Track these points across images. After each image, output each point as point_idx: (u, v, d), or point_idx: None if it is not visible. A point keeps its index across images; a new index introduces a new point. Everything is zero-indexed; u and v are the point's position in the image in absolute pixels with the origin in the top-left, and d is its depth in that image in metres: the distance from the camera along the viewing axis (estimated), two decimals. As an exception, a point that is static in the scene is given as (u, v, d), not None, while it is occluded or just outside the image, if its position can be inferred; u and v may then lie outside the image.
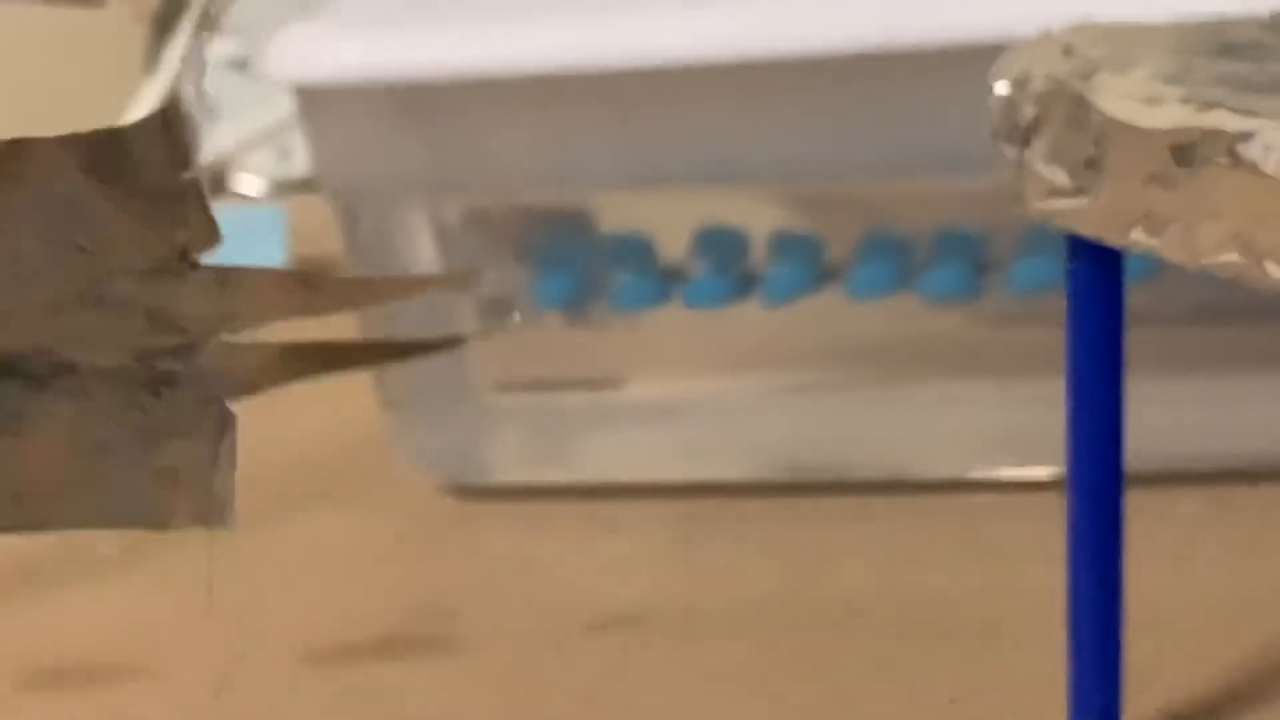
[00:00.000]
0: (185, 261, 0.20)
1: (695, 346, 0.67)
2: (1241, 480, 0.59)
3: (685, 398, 0.66)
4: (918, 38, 0.55)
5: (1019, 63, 0.42)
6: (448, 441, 0.65)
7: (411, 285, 0.20)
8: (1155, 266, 0.60)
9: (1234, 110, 0.36)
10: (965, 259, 0.63)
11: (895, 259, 0.63)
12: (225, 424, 0.20)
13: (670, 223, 0.66)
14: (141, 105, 0.81)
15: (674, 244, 0.66)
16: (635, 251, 0.65)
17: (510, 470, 0.65)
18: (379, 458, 0.65)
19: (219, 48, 1.00)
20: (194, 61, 0.91)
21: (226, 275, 0.20)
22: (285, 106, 0.89)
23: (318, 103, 0.58)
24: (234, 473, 0.20)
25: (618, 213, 0.66)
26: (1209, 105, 0.37)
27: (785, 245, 0.65)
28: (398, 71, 0.57)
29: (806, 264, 0.64)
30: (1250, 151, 0.35)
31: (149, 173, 0.19)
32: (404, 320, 0.63)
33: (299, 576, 0.60)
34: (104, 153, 0.19)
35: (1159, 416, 0.61)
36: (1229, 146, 0.36)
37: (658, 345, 0.66)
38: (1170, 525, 0.57)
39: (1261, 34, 0.42)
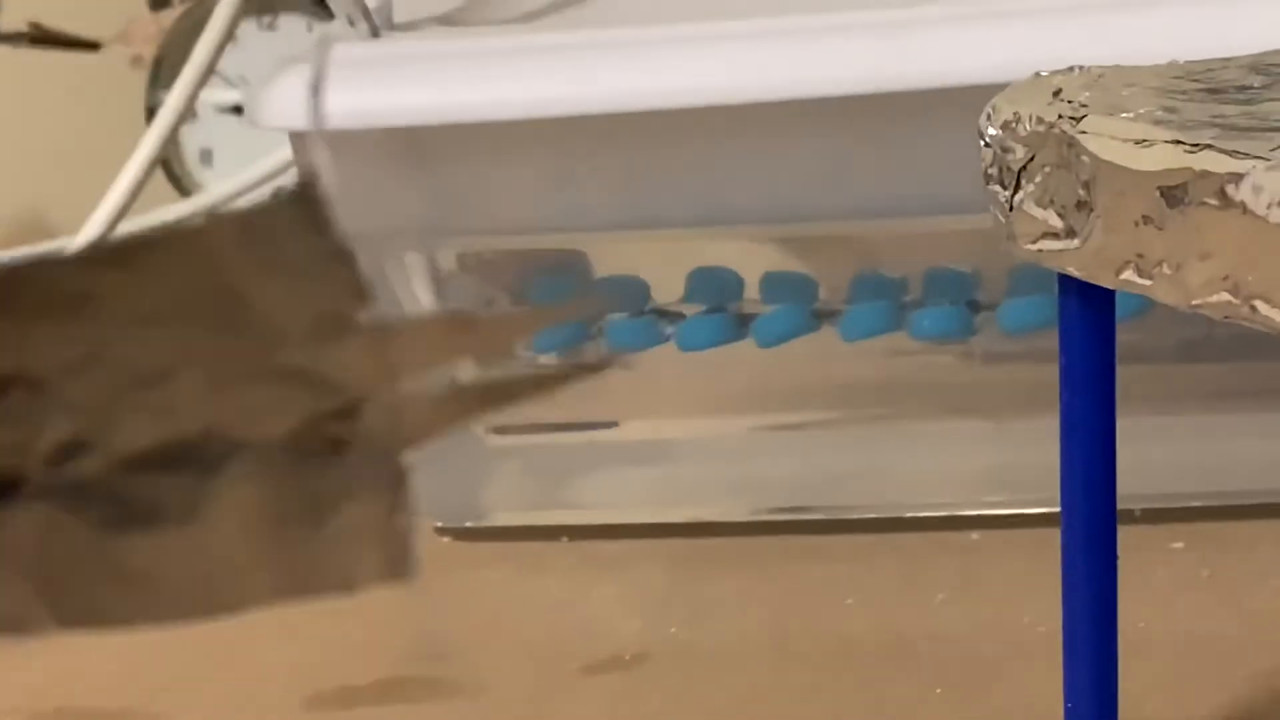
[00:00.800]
0: (343, 322, 0.20)
1: (690, 387, 0.67)
2: (1232, 516, 0.59)
3: (680, 438, 0.66)
4: (908, 80, 0.55)
5: (1009, 105, 0.42)
6: (446, 483, 0.65)
7: (554, 315, 0.21)
8: (1147, 304, 0.61)
9: (1223, 152, 0.37)
10: (956, 299, 0.63)
11: (887, 299, 0.63)
12: (399, 477, 0.20)
13: (665, 265, 0.67)
14: (143, 150, 0.81)
15: (670, 286, 0.66)
16: (630, 294, 0.65)
17: (508, 512, 0.65)
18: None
19: (217, 93, 1.01)
20: (193, 106, 0.92)
21: (385, 329, 0.20)
22: (283, 152, 0.90)
23: (310, 149, 0.59)
24: (413, 524, 0.20)
25: (613, 256, 0.67)
26: (1198, 147, 0.37)
27: (778, 286, 0.65)
28: (391, 117, 0.57)
29: (799, 305, 0.64)
30: (1240, 192, 0.36)
31: (297, 241, 0.20)
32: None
33: (299, 620, 0.60)
34: (254, 228, 0.19)
35: (1152, 453, 0.61)
36: (1219, 188, 0.36)
37: (653, 386, 0.67)
38: (1163, 560, 0.58)
39: (1247, 76, 0.42)
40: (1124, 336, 0.57)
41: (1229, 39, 0.47)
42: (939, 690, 0.52)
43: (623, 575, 0.61)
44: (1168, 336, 0.63)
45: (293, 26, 1.02)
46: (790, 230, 0.66)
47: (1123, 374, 0.56)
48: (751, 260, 0.67)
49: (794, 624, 0.57)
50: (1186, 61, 0.44)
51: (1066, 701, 0.46)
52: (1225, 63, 0.44)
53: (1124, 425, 0.53)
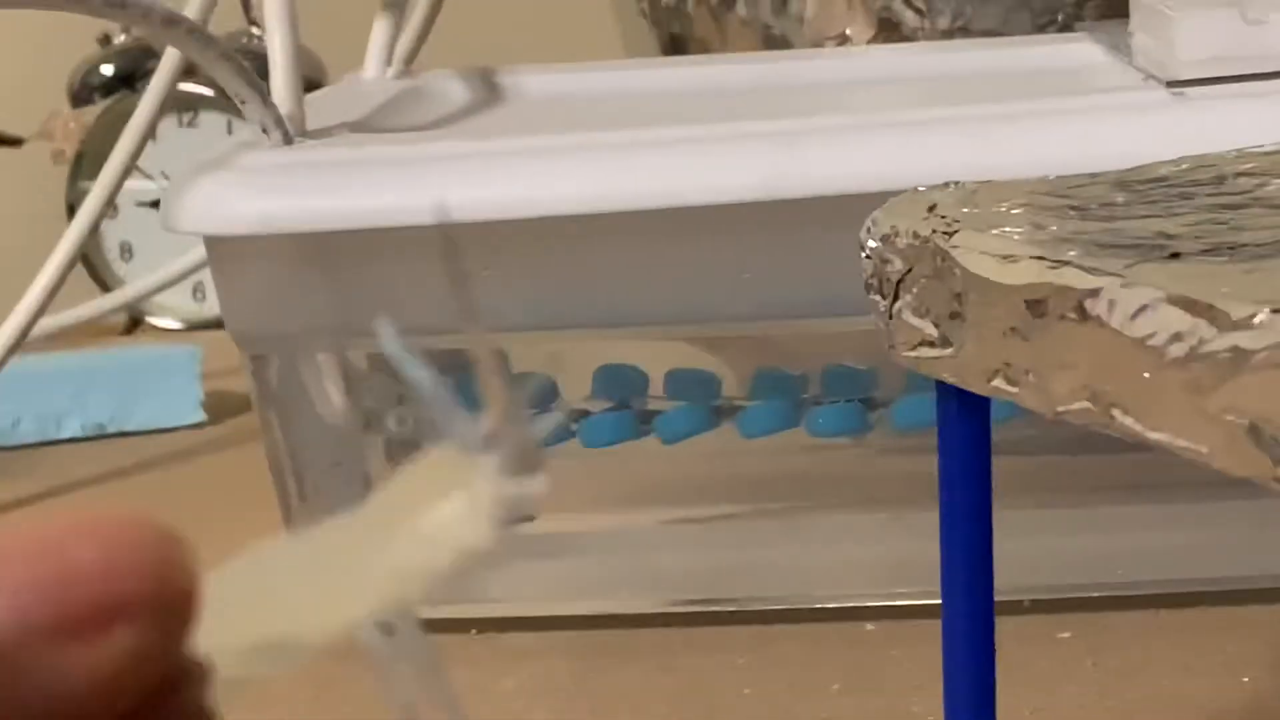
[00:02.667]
0: None
1: (596, 482, 0.69)
2: (1118, 606, 0.61)
3: (586, 532, 0.68)
4: (800, 188, 0.57)
5: (888, 219, 0.45)
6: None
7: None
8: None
9: (1081, 268, 0.39)
10: (853, 396, 0.65)
11: (786, 396, 0.66)
12: None
13: (573, 363, 0.69)
14: (65, 245, 0.83)
15: (577, 383, 0.68)
16: (540, 391, 0.67)
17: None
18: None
19: (136, 188, 1.02)
20: (114, 202, 0.93)
21: None
22: (198, 248, 0.91)
23: (224, 253, 0.60)
24: None
25: (528, 353, 0.68)
26: (1059, 263, 0.40)
27: (681, 383, 0.67)
28: (299, 223, 0.59)
29: (701, 402, 0.66)
30: (1096, 307, 0.38)
31: None
32: (312, 460, 0.65)
33: None
34: None
35: (1042, 545, 0.64)
36: (1077, 302, 0.39)
37: (560, 481, 0.68)
38: (1050, 650, 0.60)
39: (1111, 193, 0.45)
40: (1012, 432, 0.59)
41: (1099, 153, 0.50)
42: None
43: (529, 667, 0.62)
44: (1055, 431, 0.65)
45: (213, 124, 1.04)
46: (691, 331, 0.68)
47: (1013, 467, 0.59)
48: (658, 356, 0.69)
49: (695, 714, 0.59)
50: (1057, 177, 0.46)
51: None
52: (1094, 178, 0.46)
53: (1015, 518, 0.55)
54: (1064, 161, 0.48)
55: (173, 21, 0.58)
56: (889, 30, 0.87)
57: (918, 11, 0.86)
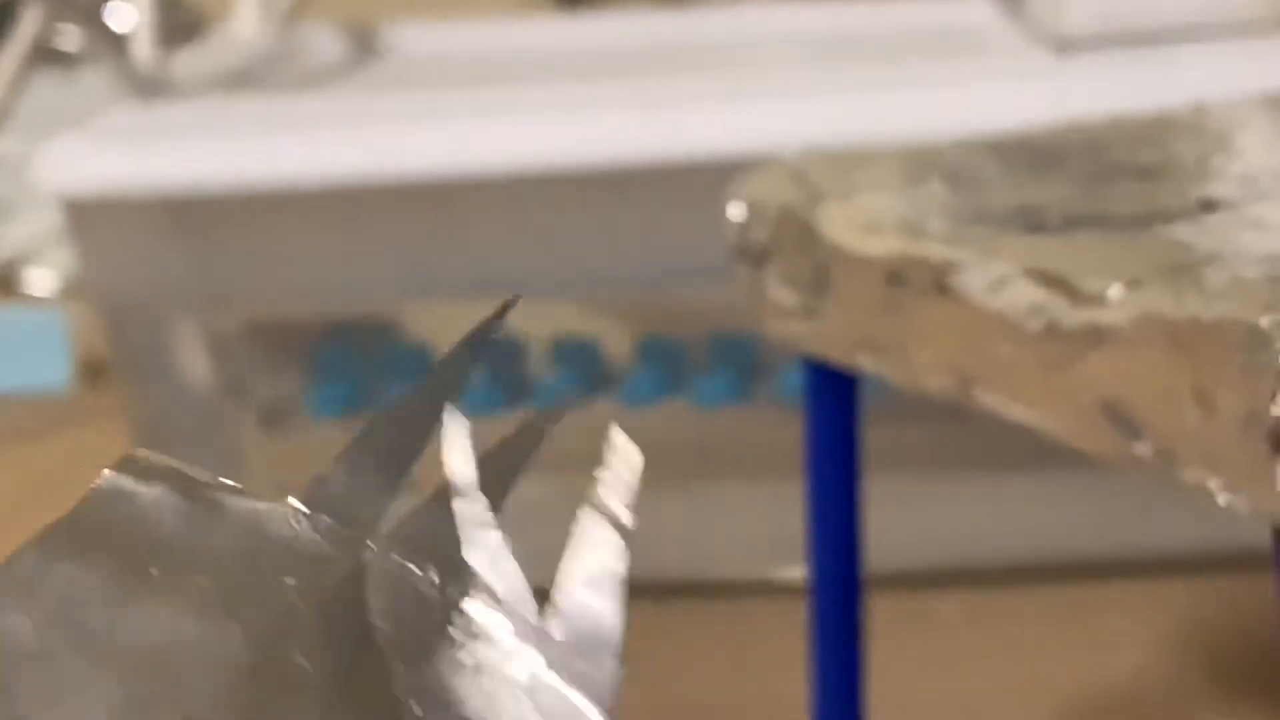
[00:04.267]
0: None
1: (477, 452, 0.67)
2: (1000, 582, 0.60)
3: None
4: (671, 154, 0.56)
5: (753, 187, 0.43)
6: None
7: None
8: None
9: (943, 240, 0.37)
10: (737, 365, 0.64)
11: (669, 365, 0.64)
12: None
13: (453, 333, 0.67)
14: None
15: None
16: (417, 361, 0.65)
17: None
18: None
19: (8, 146, 0.99)
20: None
21: None
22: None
23: (83, 215, 0.58)
24: None
25: (409, 323, 0.67)
26: (921, 234, 0.38)
27: (563, 352, 0.65)
28: (164, 185, 0.57)
29: (583, 370, 0.65)
30: (955, 279, 0.37)
31: None
32: (179, 429, 0.63)
33: None
34: None
35: (921, 519, 0.62)
36: (937, 276, 0.37)
37: (438, 454, 0.67)
38: (930, 627, 0.58)
39: (983, 159, 0.43)
40: (890, 400, 0.58)
41: (980, 118, 0.48)
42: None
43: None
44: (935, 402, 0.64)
45: (93, 79, 1.01)
46: (575, 295, 0.66)
47: (892, 438, 0.57)
48: (539, 326, 0.67)
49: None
50: (929, 145, 0.45)
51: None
52: (965, 145, 0.44)
53: (895, 490, 0.54)
54: (944, 126, 0.46)
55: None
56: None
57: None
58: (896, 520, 0.55)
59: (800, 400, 0.65)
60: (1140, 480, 0.62)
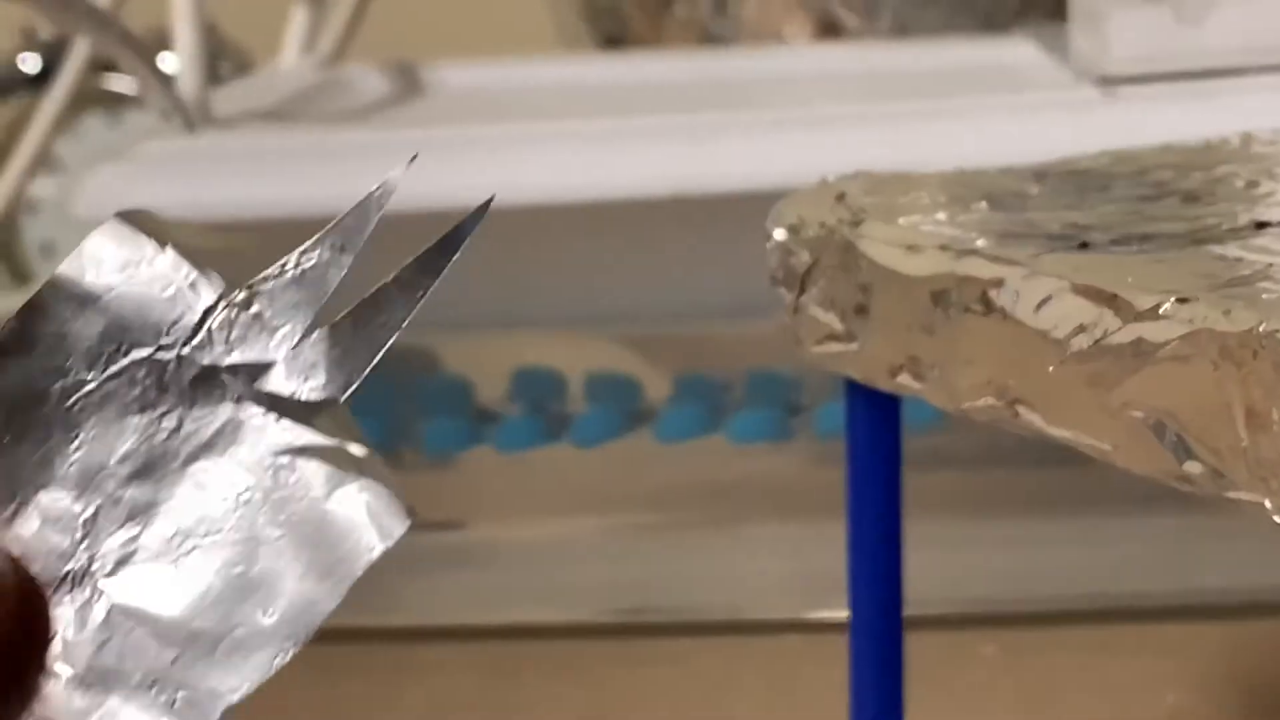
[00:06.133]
0: None
1: (510, 490, 0.67)
2: (1040, 623, 0.60)
3: (498, 541, 0.66)
4: (719, 184, 0.55)
5: (794, 209, 0.43)
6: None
7: None
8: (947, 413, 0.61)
9: (987, 258, 0.37)
10: (775, 402, 0.63)
11: (706, 401, 0.63)
12: None
13: (491, 364, 0.66)
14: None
15: (492, 387, 0.66)
16: (451, 394, 0.65)
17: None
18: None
19: (55, 188, 1.00)
20: (30, 200, 0.91)
21: None
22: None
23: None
24: None
25: (438, 354, 0.66)
26: (965, 253, 0.38)
27: (599, 387, 0.65)
28: (204, 213, 0.57)
29: (620, 406, 0.64)
30: (1000, 298, 0.36)
31: None
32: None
33: None
34: None
35: (963, 561, 0.62)
36: (981, 293, 0.37)
37: (474, 489, 0.66)
38: (972, 666, 0.58)
39: (1028, 184, 0.43)
40: (934, 442, 0.57)
41: (1025, 149, 0.48)
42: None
43: (435, 679, 0.60)
44: (978, 445, 0.64)
45: (138, 122, 1.01)
46: (613, 329, 0.66)
47: (935, 482, 0.56)
48: (576, 361, 0.67)
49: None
50: (973, 169, 0.44)
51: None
52: (1009, 170, 0.44)
53: (937, 532, 0.53)
54: (989, 158, 0.46)
55: (69, 3, 0.56)
56: (829, 33, 0.85)
57: (857, 14, 0.84)
58: (936, 563, 0.54)
59: (836, 438, 0.65)
60: (1180, 522, 0.61)
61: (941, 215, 0.40)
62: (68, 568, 0.19)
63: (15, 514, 0.19)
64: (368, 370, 0.20)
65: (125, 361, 0.20)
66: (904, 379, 0.40)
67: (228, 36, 0.93)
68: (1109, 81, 0.57)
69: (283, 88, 0.68)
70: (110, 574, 0.19)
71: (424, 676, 0.61)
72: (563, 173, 0.58)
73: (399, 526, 0.19)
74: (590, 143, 0.58)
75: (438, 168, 0.58)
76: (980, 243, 0.38)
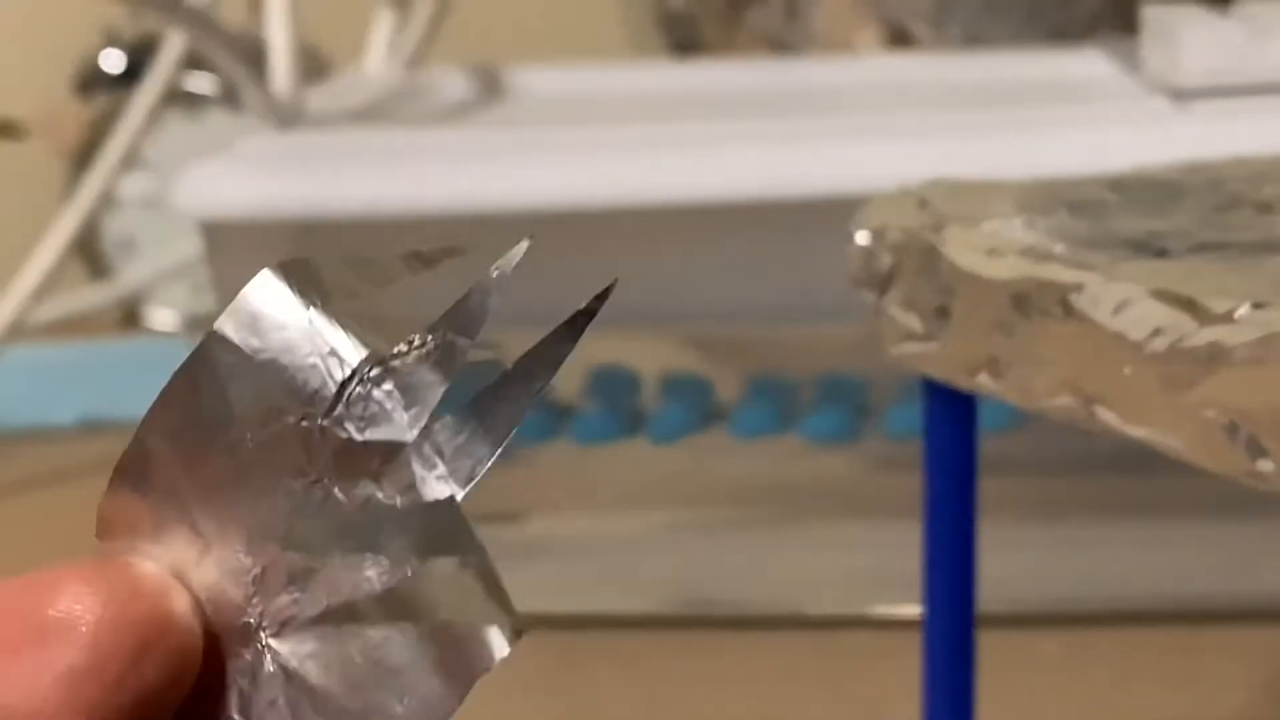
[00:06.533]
0: None
1: (585, 484, 0.68)
2: (1100, 623, 0.61)
3: (572, 532, 0.67)
4: (795, 189, 0.57)
5: (877, 214, 0.44)
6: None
7: None
8: (1020, 417, 0.62)
9: (1067, 263, 0.38)
10: (846, 403, 0.65)
11: (778, 401, 0.65)
12: None
13: (566, 365, 0.68)
14: (57, 234, 0.82)
15: (568, 383, 0.68)
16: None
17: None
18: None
19: (136, 184, 1.02)
20: (111, 197, 0.93)
21: None
22: (198, 242, 0.91)
23: (221, 237, 0.60)
24: None
25: (513, 352, 0.68)
26: (1045, 258, 0.39)
27: (675, 386, 0.67)
28: (297, 208, 0.59)
29: (694, 404, 0.66)
30: (1079, 301, 0.38)
31: None
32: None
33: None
34: None
35: (1026, 562, 0.63)
36: (1061, 297, 0.38)
37: (548, 481, 0.68)
38: (1032, 664, 0.59)
39: (1105, 193, 0.44)
40: (1003, 449, 0.59)
41: (1099, 160, 0.49)
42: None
43: (503, 663, 0.62)
44: (1045, 452, 0.65)
45: (219, 121, 1.04)
46: (689, 332, 0.67)
47: (1005, 487, 0.58)
48: (651, 360, 0.68)
49: (669, 714, 0.58)
50: (1051, 179, 0.46)
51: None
52: (1087, 180, 0.46)
53: (1004, 535, 0.54)
54: (1063, 168, 0.47)
55: (170, 2, 0.58)
56: (899, 42, 0.86)
57: (927, 25, 0.86)
58: (1005, 565, 0.55)
59: (905, 440, 0.66)
60: (1246, 529, 0.62)
61: (1021, 221, 0.42)
62: (242, 619, 0.19)
63: (199, 560, 0.20)
64: (490, 464, 0.19)
65: (277, 426, 0.20)
66: (982, 379, 0.41)
67: (305, 39, 0.95)
68: (1181, 94, 0.58)
69: (370, 89, 0.70)
70: (276, 635, 0.19)
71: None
72: (642, 176, 0.60)
73: (510, 633, 0.19)
74: (667, 146, 0.60)
75: (519, 169, 0.60)
76: (1059, 248, 0.40)
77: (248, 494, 0.20)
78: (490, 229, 0.60)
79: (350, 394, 0.20)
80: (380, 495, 0.19)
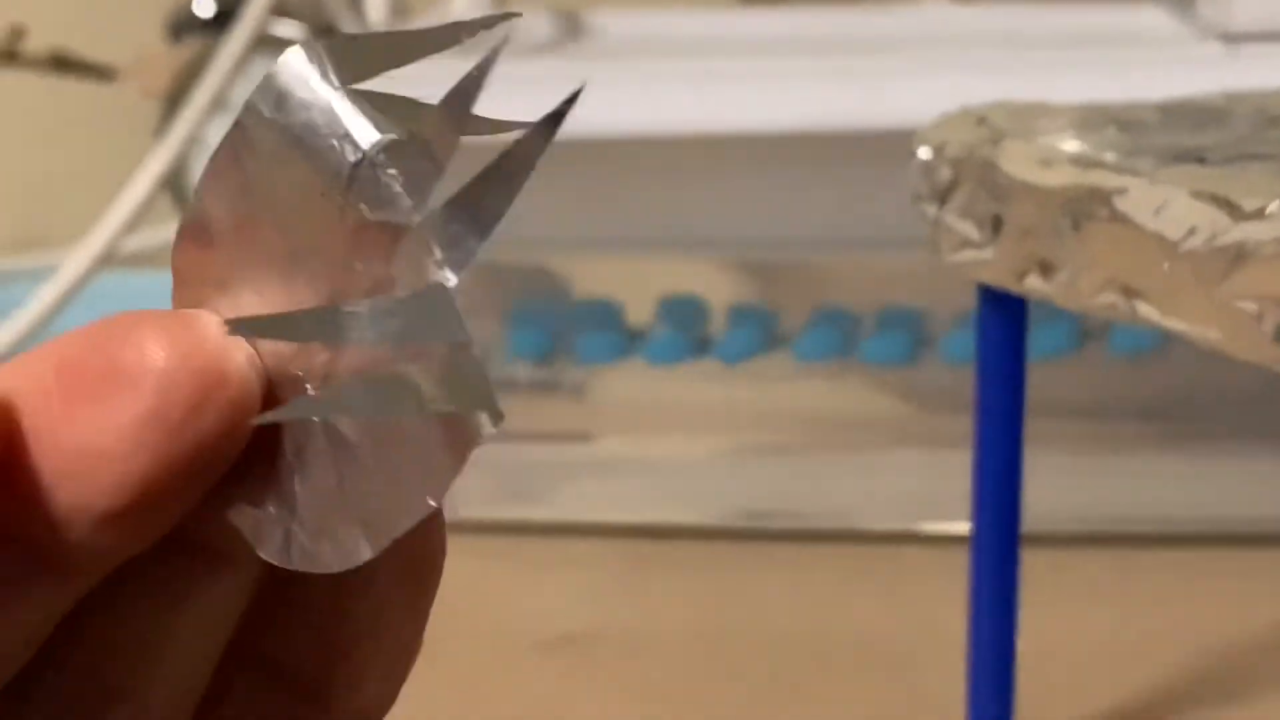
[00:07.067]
0: None
1: (655, 406, 0.72)
2: (1146, 544, 0.64)
3: (643, 451, 0.71)
4: (858, 122, 0.60)
5: (939, 132, 0.47)
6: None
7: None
8: (1069, 342, 0.66)
9: (1112, 170, 0.42)
10: (903, 331, 0.68)
11: (839, 328, 0.68)
12: None
13: (638, 292, 0.72)
14: (148, 170, 0.86)
15: (641, 311, 0.71)
16: (603, 313, 0.70)
17: (476, 507, 0.70)
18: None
19: (222, 127, 1.06)
20: (201, 139, 0.97)
21: None
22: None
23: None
24: None
25: (590, 279, 0.71)
26: (1093, 165, 0.42)
27: (741, 314, 0.70)
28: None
29: (759, 329, 0.69)
30: (1123, 204, 0.41)
31: None
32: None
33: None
34: None
35: (1074, 487, 0.66)
36: (1106, 200, 0.41)
37: (621, 404, 0.72)
38: (1074, 579, 0.62)
39: (1151, 115, 0.47)
40: (1064, 389, 0.62)
41: (1149, 98, 0.52)
42: (860, 681, 0.56)
43: (579, 568, 0.65)
44: (1100, 393, 0.68)
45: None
46: (755, 261, 0.70)
47: (1060, 423, 0.61)
48: (719, 291, 0.72)
49: (735, 617, 0.61)
50: (1103, 102, 0.49)
51: (970, 696, 0.50)
52: (1136, 105, 0.49)
53: (1054, 463, 0.57)
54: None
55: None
56: (964, -1, 0.89)
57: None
58: (1052, 489, 0.58)
59: (960, 366, 0.69)
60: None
61: (1073, 136, 0.45)
62: (292, 373, 0.20)
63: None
64: (478, 250, 0.19)
65: (308, 203, 0.20)
66: (1032, 281, 0.44)
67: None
68: (1232, 39, 0.61)
69: (457, 27, 0.74)
70: (319, 390, 0.20)
71: (569, 565, 0.66)
72: (711, 107, 0.63)
73: (495, 418, 0.19)
74: (736, 81, 0.63)
75: (598, 99, 0.63)
76: (1107, 157, 0.43)
77: (293, 265, 0.20)
78: (572, 154, 0.63)
79: (361, 175, 0.20)
80: (390, 275, 0.20)
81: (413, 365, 0.19)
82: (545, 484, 0.70)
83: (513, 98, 0.66)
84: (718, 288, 0.72)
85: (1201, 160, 0.42)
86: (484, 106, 0.63)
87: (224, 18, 1.08)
